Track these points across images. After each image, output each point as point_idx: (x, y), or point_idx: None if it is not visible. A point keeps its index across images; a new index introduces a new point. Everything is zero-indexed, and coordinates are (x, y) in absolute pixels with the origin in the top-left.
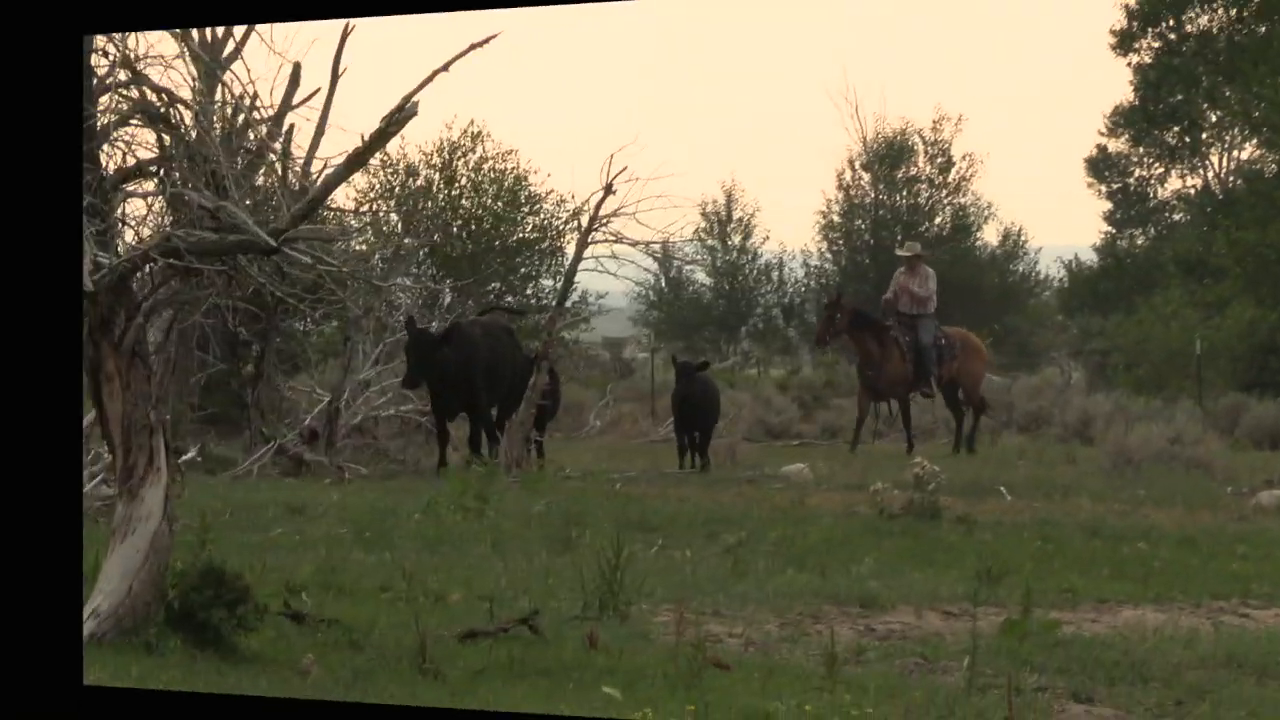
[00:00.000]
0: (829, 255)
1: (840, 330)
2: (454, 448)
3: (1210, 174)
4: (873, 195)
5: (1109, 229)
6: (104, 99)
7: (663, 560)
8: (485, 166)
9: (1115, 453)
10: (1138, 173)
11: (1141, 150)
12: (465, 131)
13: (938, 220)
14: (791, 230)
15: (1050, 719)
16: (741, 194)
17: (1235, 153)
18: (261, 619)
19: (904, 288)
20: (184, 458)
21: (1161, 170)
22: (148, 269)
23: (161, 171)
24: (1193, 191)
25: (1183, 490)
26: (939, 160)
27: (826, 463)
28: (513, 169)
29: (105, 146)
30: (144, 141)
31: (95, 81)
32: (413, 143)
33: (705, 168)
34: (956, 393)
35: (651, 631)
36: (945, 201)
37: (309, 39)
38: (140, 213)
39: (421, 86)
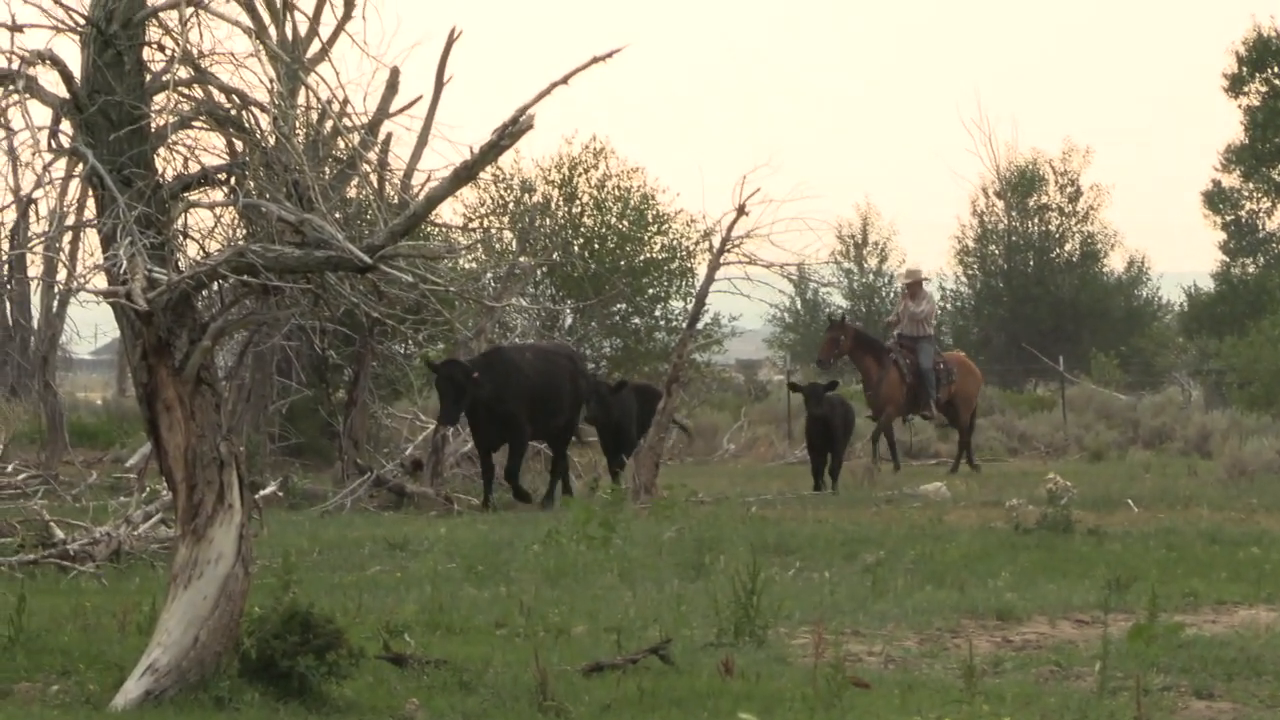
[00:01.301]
0: (963, 279)
1: (843, 351)
2: (577, 475)
3: None
4: (1005, 222)
5: (1224, 258)
6: (160, 97)
7: (800, 582)
8: (609, 184)
9: (1231, 465)
10: (1248, 206)
11: (1251, 185)
12: (587, 147)
13: (1067, 247)
14: (926, 253)
15: (1175, 716)
16: (877, 217)
17: None
18: (357, 664)
19: (905, 311)
20: (262, 493)
21: (1269, 204)
22: (215, 286)
23: (233, 180)
24: None
25: None
26: (1068, 189)
27: (963, 481)
28: (638, 187)
29: (162, 150)
30: (210, 146)
31: (149, 78)
32: (528, 157)
33: (841, 190)
34: (966, 414)
35: (789, 655)
36: (1074, 229)
37: (409, 42)
38: (206, 225)
39: (538, 99)
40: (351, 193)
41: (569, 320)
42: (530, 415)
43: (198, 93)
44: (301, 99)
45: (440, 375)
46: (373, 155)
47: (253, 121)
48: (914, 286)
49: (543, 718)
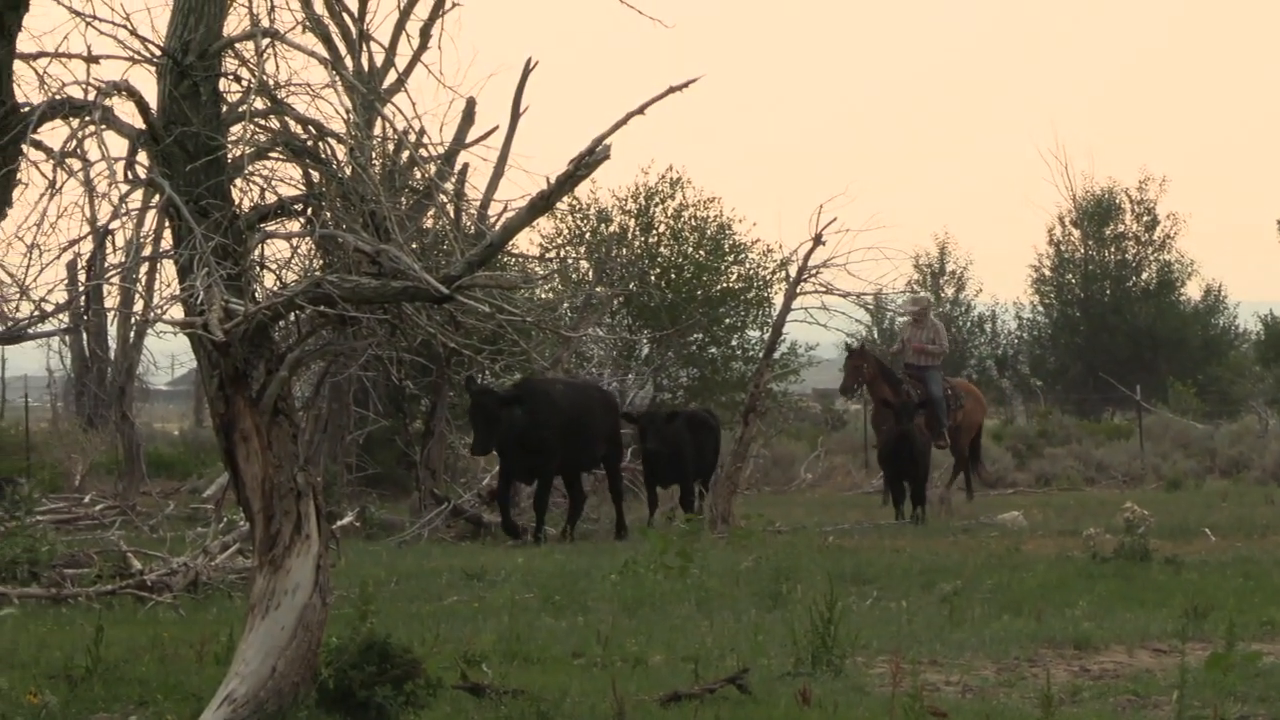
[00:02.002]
0: (1040, 308)
1: (866, 380)
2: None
3: None
4: (1082, 250)
5: None
6: (236, 128)
7: (878, 611)
8: (685, 214)
9: None
10: None
11: None
12: (663, 177)
13: (1144, 276)
14: (1003, 282)
15: None
16: (954, 246)
17: None
18: (434, 694)
19: (909, 340)
20: (339, 523)
21: None
22: (292, 317)
23: (309, 210)
24: None
25: None
26: (1145, 218)
27: (1041, 510)
28: (715, 217)
29: (239, 181)
30: (287, 177)
31: (226, 109)
32: (604, 186)
33: (917, 220)
34: (967, 440)
35: (867, 684)
36: (1151, 258)
37: (485, 73)
38: (283, 255)
39: (615, 129)
40: (428, 223)
41: (645, 350)
42: (562, 446)
43: (274, 123)
44: (378, 129)
45: (473, 403)
46: (449, 185)
47: (329, 152)
48: (919, 315)
49: None
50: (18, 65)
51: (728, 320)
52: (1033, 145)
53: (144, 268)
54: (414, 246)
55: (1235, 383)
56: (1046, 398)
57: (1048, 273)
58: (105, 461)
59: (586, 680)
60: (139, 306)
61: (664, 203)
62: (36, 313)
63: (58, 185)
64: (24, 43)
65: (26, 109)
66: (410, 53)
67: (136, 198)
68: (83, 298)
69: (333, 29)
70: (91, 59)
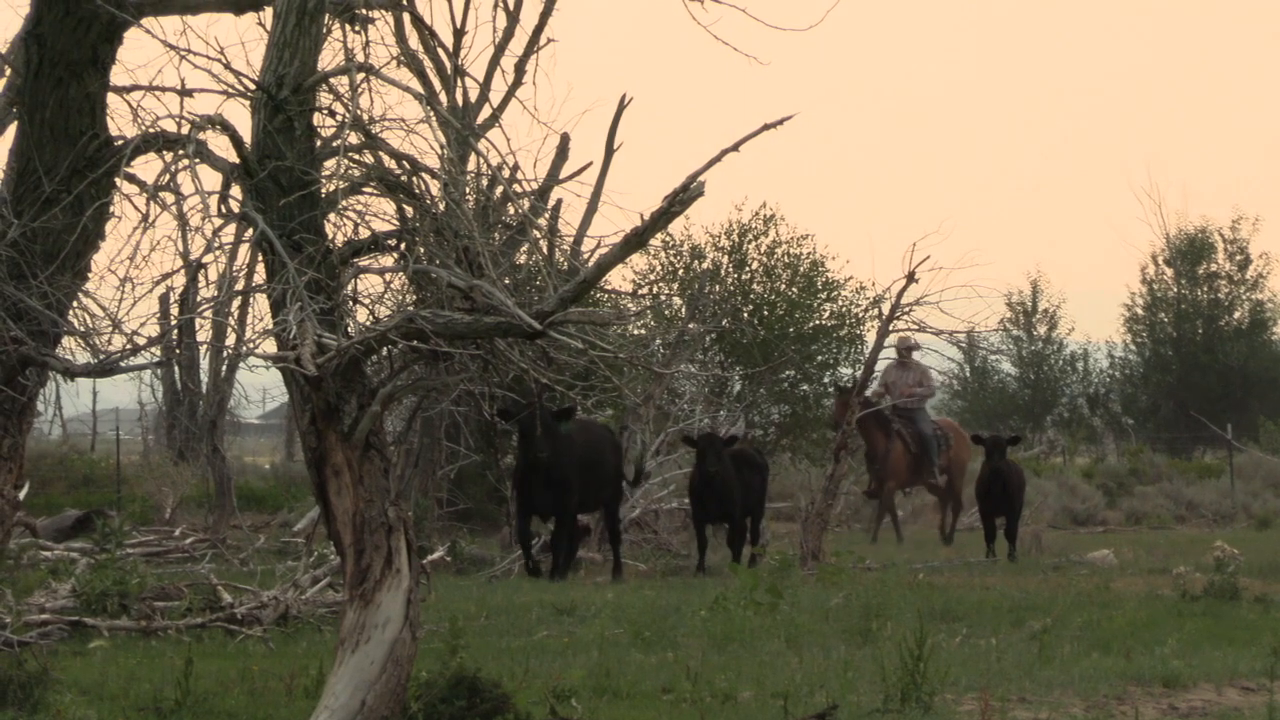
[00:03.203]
0: (1132, 347)
1: (852, 420)
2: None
3: None
4: (1175, 289)
5: None
6: (330, 163)
7: (967, 649)
8: (778, 250)
9: None
10: None
11: None
12: (757, 214)
13: (1236, 314)
14: (1096, 321)
15: None
16: (1047, 285)
17: None
18: None
19: (895, 383)
20: (430, 558)
21: None
22: (385, 352)
23: (403, 245)
24: None
25: None
26: (1238, 257)
27: (1131, 548)
28: (808, 254)
29: (332, 216)
30: (380, 212)
31: (320, 144)
32: (697, 223)
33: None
34: (959, 481)
35: None
36: (1243, 297)
37: (579, 109)
38: (376, 290)
39: (709, 165)
40: (521, 259)
41: (737, 387)
42: (580, 483)
43: (368, 158)
44: (472, 164)
45: (527, 415)
46: (543, 221)
47: (423, 187)
48: (904, 357)
49: None
50: (112, 98)
51: (820, 357)
52: (1126, 184)
53: (236, 302)
54: (507, 282)
55: None
56: (1138, 436)
57: (1140, 311)
58: (196, 494)
59: (675, 716)
60: (231, 340)
61: (757, 239)
62: (129, 346)
63: (151, 219)
64: (118, 76)
65: (120, 142)
66: (505, 88)
67: (229, 232)
68: (175, 331)
69: (427, 64)
70: (185, 92)
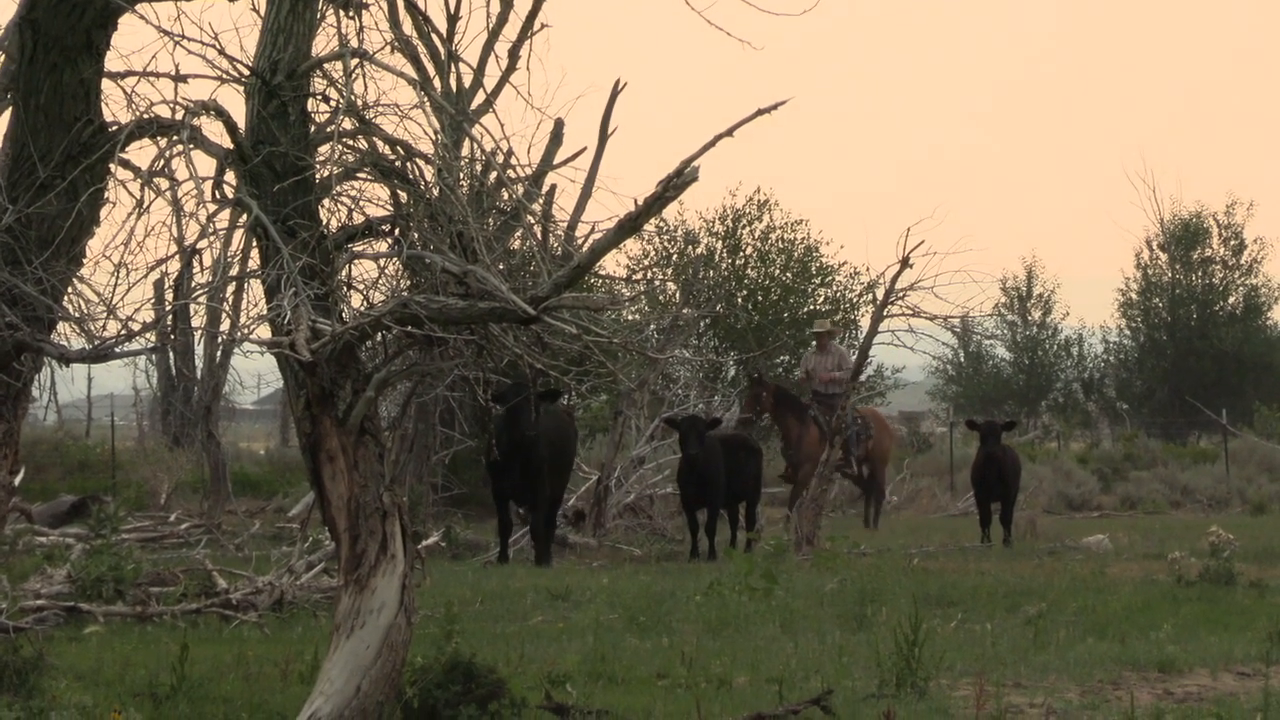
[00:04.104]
0: (1127, 332)
1: (765, 409)
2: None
3: None
4: (1169, 275)
5: None
6: (324, 149)
7: (962, 634)
8: (773, 235)
9: None
10: None
11: None
12: (751, 199)
13: (1230, 300)
14: (1090, 306)
15: None
16: (1042, 270)
17: None
18: (519, 714)
19: (815, 367)
20: (425, 543)
21: None
22: (380, 337)
23: (397, 231)
24: None
25: None
26: (1232, 242)
27: (1126, 533)
28: (802, 239)
29: (327, 201)
30: (374, 197)
31: (314, 129)
32: (692, 208)
33: (1005, 243)
34: (881, 469)
35: (951, 706)
36: (1238, 282)
37: (573, 94)
38: (370, 275)
39: (703, 151)
40: (515, 244)
41: (732, 372)
42: (551, 467)
43: (362, 144)
44: (466, 150)
45: (515, 391)
46: (537, 206)
47: (417, 173)
48: (822, 340)
49: None
50: (106, 84)
51: (814, 342)
52: (1120, 169)
53: (231, 287)
54: (501, 267)
55: None
56: (1132, 421)
57: (1134, 296)
58: (191, 480)
59: (671, 701)
60: (225, 326)
61: (751, 225)
62: (123, 331)
63: (145, 204)
64: (112, 61)
65: (114, 128)
66: (499, 73)
67: (224, 217)
68: (169, 317)
69: (421, 50)
70: (180, 78)
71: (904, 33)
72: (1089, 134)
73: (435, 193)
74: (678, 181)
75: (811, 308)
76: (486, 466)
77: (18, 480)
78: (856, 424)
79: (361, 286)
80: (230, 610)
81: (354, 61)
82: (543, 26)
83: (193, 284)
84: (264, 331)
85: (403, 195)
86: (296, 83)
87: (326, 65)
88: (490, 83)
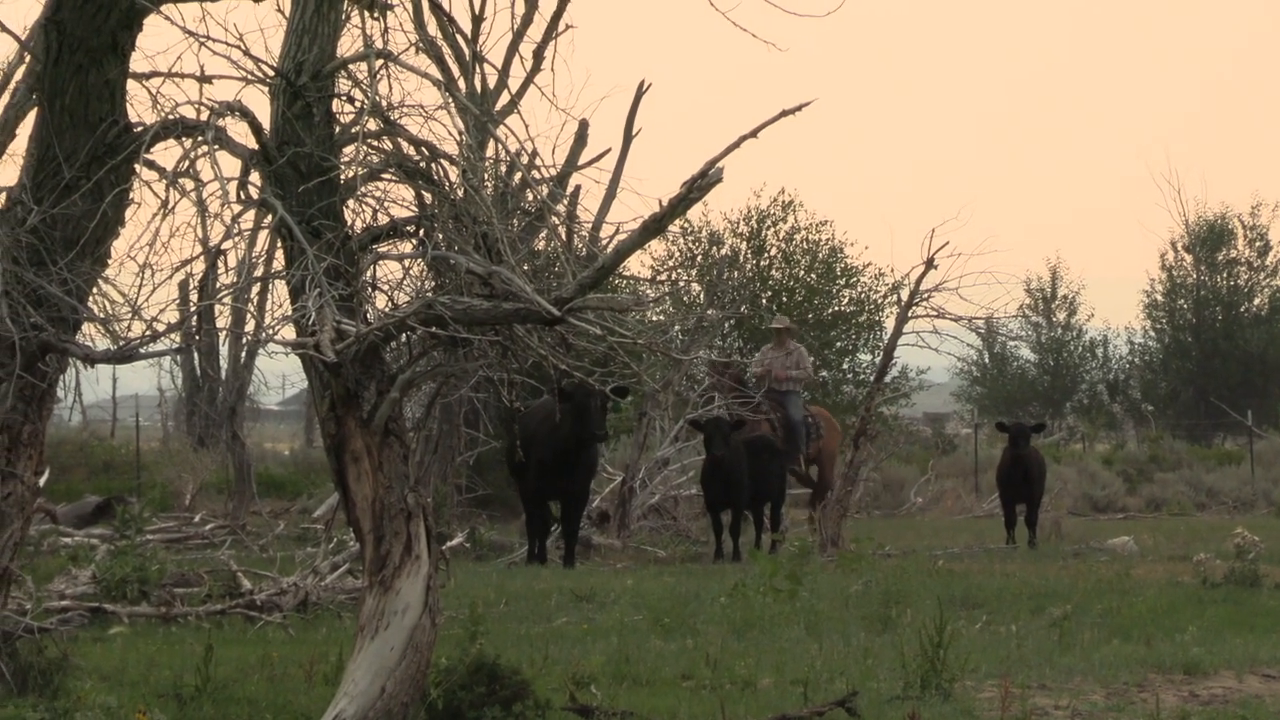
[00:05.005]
0: (1152, 333)
1: (722, 392)
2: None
3: None
4: (1194, 276)
5: None
6: (349, 149)
7: (987, 636)
8: (797, 236)
9: None
10: None
11: None
12: (775, 200)
13: (1256, 301)
14: (1115, 307)
15: None
16: (1066, 271)
17: None
18: (543, 716)
19: (772, 364)
20: (449, 544)
21: None
22: (404, 338)
23: (421, 232)
24: None
25: None
26: (1257, 244)
27: (1151, 535)
28: (827, 240)
29: (351, 202)
30: (399, 198)
31: (339, 130)
32: (716, 209)
33: (1030, 244)
34: (830, 470)
35: (976, 708)
36: (1263, 283)
37: (598, 95)
38: (395, 276)
39: (728, 152)
40: (540, 245)
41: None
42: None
43: (387, 145)
44: (491, 151)
45: (581, 393)
46: (561, 207)
47: (442, 174)
48: (780, 336)
49: None
50: (131, 85)
51: (839, 344)
52: (1145, 170)
53: (256, 288)
54: (526, 268)
55: None
56: (1157, 423)
57: (1160, 298)
58: (215, 481)
59: (695, 703)
60: (250, 327)
61: (776, 225)
62: (148, 332)
63: (170, 205)
64: (137, 62)
65: (140, 129)
66: (523, 74)
67: (249, 218)
68: (194, 318)
69: (446, 51)
70: (205, 79)
71: (927, 33)
72: (1113, 135)
73: (460, 194)
74: (702, 183)
75: (836, 308)
76: (511, 468)
77: (43, 481)
78: (807, 421)
79: (386, 287)
80: (255, 611)
81: (379, 62)
82: (567, 27)
83: (218, 285)
84: (289, 332)
85: (427, 196)
86: (321, 83)
87: (351, 66)
88: (515, 84)
